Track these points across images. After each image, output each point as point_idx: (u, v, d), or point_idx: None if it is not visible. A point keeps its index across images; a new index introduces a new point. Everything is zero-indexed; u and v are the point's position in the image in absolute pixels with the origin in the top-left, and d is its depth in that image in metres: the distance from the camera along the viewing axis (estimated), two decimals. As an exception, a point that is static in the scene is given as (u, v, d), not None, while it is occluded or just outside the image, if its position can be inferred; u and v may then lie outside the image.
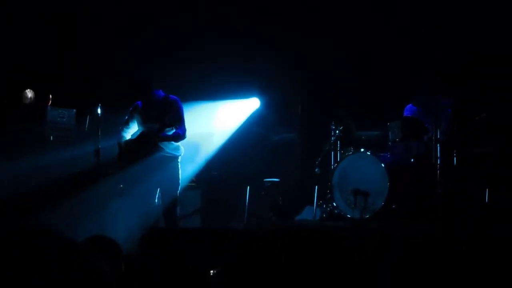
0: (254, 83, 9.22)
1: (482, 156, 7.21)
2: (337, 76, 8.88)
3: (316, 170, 7.76)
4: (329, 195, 7.49)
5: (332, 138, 7.88)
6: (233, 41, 9.05)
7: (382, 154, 7.47)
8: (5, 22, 8.66)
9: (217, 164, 8.59)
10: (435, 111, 6.55)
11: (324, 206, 7.60)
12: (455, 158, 7.03)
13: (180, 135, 6.24)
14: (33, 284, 1.25)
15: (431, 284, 4.34)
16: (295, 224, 7.72)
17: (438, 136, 6.64)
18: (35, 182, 7.06)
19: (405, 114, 7.80)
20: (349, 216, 7.15)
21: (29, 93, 7.87)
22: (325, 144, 7.92)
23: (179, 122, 6.20)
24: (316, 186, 7.45)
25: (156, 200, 6.32)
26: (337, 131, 7.82)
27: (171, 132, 6.19)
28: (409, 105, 7.84)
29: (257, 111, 9.32)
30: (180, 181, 6.39)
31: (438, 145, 6.67)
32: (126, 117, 6.51)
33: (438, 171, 6.61)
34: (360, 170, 7.29)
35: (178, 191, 6.38)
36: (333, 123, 7.89)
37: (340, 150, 7.85)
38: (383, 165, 7.12)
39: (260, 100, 9.30)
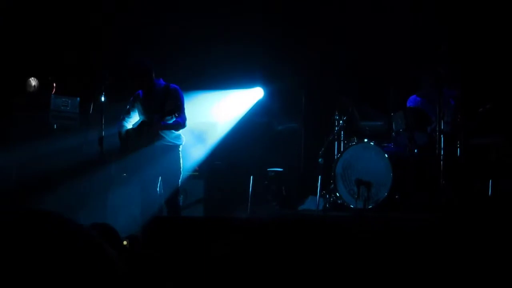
0: (257, 73, 9.20)
1: (486, 148, 7.20)
2: (341, 66, 8.85)
3: (320, 160, 7.75)
4: (332, 185, 7.49)
5: (336, 128, 7.86)
6: (237, 31, 9.03)
7: (385, 145, 7.46)
8: (9, 11, 8.65)
9: (221, 153, 8.59)
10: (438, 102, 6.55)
11: (327, 196, 7.60)
12: (458, 149, 7.02)
13: (180, 124, 6.24)
14: (41, 267, 1.25)
15: (432, 275, 4.35)
16: (298, 214, 7.73)
17: (442, 127, 6.63)
18: (39, 170, 7.08)
19: (408, 104, 7.79)
20: (352, 206, 7.15)
21: (33, 81, 7.87)
22: (329, 134, 7.91)
23: (179, 110, 6.18)
24: (320, 176, 7.44)
25: (158, 189, 6.32)
26: (340, 121, 7.80)
27: (172, 120, 6.18)
28: (413, 96, 7.82)
29: (261, 101, 9.30)
30: (181, 170, 6.39)
31: (442, 136, 6.66)
32: (127, 107, 6.51)
33: (442, 162, 6.61)
34: (364, 160, 7.29)
35: (180, 180, 6.39)
36: (336, 113, 7.87)
37: (343, 140, 7.84)
38: (386, 155, 7.12)
39: (264, 90, 9.28)
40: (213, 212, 7.85)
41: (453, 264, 4.39)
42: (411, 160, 7.17)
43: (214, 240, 4.47)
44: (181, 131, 6.38)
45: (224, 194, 8.16)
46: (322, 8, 8.88)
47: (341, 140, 7.88)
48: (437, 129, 6.70)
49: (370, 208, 6.98)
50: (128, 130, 6.44)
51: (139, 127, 6.35)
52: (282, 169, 8.53)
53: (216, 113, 8.99)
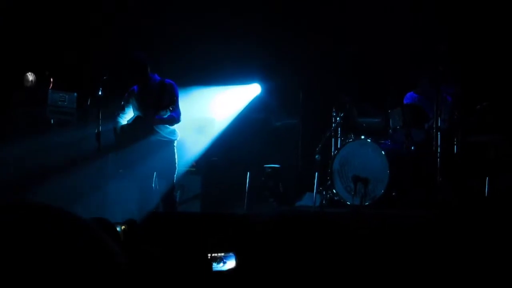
0: (255, 69, 9.18)
1: (483, 145, 7.21)
2: (340, 63, 8.85)
3: (317, 156, 7.74)
4: (329, 182, 7.50)
5: (333, 125, 7.86)
6: (235, 27, 9.01)
7: (382, 142, 7.47)
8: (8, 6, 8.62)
9: (218, 149, 8.58)
10: (436, 99, 6.55)
11: (324, 192, 7.60)
12: (456, 147, 7.03)
13: (175, 118, 6.23)
14: (43, 261, 1.24)
15: (429, 272, 4.35)
16: (295, 210, 7.73)
17: (439, 124, 6.64)
18: (36, 165, 7.07)
19: (405, 101, 7.79)
20: (349, 203, 7.16)
21: (30, 76, 7.85)
22: (326, 130, 7.91)
23: (174, 105, 6.17)
24: (317, 173, 7.44)
25: (154, 185, 6.32)
26: (338, 118, 7.80)
27: (166, 115, 6.17)
28: (410, 93, 7.83)
29: (258, 96, 9.29)
30: (176, 166, 6.39)
31: (439, 133, 6.67)
32: (122, 103, 6.50)
33: (439, 159, 6.62)
34: (361, 157, 7.29)
35: (175, 176, 6.38)
36: (334, 109, 7.87)
37: (340, 137, 7.84)
38: (383, 152, 7.12)
39: (261, 86, 9.27)
40: (210, 208, 7.85)
41: (450, 260, 4.40)
42: (408, 157, 7.18)
43: (211, 236, 4.47)
44: (176, 127, 6.37)
45: (221, 190, 8.16)
46: (321, 4, 8.87)
47: (338, 137, 7.88)
48: (434, 126, 6.71)
49: (367, 204, 6.98)
50: (123, 126, 6.43)
51: (133, 122, 6.35)
52: (279, 166, 8.53)
53: (214, 109, 8.98)
